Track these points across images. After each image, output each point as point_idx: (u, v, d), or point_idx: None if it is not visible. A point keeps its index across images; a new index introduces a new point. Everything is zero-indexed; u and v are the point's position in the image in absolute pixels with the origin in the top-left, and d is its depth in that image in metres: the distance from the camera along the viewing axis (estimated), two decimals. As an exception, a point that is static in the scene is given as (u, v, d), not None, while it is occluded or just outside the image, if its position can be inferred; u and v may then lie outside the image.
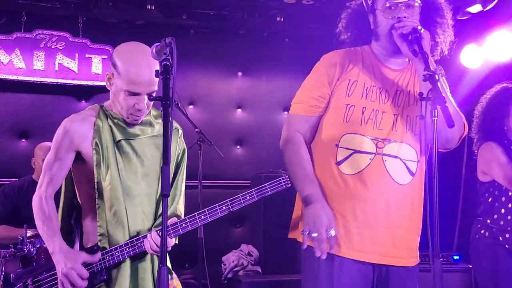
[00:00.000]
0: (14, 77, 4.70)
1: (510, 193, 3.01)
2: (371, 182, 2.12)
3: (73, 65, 4.83)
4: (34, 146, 4.01)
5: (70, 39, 4.84)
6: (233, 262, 4.54)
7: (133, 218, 2.11)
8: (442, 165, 5.03)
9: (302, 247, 2.11)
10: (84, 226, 2.19)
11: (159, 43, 1.81)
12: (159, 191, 2.15)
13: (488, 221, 3.09)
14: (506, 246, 3.00)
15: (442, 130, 1.95)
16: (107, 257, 2.08)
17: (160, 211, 2.18)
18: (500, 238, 3.02)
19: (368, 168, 2.13)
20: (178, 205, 2.24)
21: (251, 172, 4.90)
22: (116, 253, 2.07)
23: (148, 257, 2.13)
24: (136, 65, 2.04)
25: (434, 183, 1.88)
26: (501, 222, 3.03)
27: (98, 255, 2.08)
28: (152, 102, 2.12)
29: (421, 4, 2.16)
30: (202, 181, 4.27)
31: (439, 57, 2.24)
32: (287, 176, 2.08)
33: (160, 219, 2.15)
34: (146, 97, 2.09)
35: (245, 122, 5.37)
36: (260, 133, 5.31)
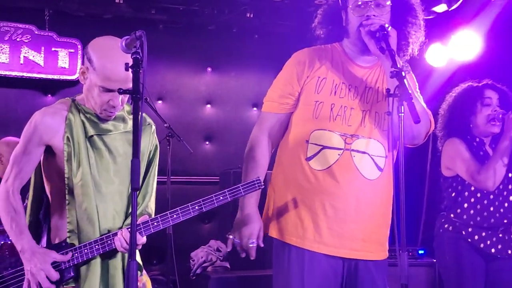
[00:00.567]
0: (-23, 70, 4.60)
1: (472, 188, 3.08)
2: (340, 178, 2.16)
3: (39, 58, 4.74)
4: (-1, 141, 3.93)
5: (36, 32, 4.75)
6: (201, 258, 4.52)
7: (104, 216, 2.08)
8: (407, 160, 5.12)
9: (272, 242, 2.16)
10: (53, 221, 2.15)
11: (128, 36, 1.80)
12: (129, 186, 2.13)
13: (452, 215, 3.16)
14: (469, 240, 3.07)
15: (408, 126, 1.99)
16: (76, 254, 2.05)
17: (130, 206, 2.15)
18: (463, 232, 3.09)
19: (336, 163, 2.17)
20: (150, 202, 2.22)
21: (220, 168, 4.90)
22: (85, 250, 2.04)
23: (119, 254, 2.10)
24: (112, 61, 2.00)
25: (400, 178, 1.91)
26: (464, 216, 3.11)
27: (69, 255, 2.05)
28: (126, 98, 2.09)
29: (391, 4, 2.20)
30: (171, 177, 4.25)
31: (409, 57, 2.29)
32: (259, 178, 2.11)
33: (139, 218, 2.14)
34: (120, 96, 2.05)
35: (214, 117, 5.37)
36: (229, 129, 5.32)
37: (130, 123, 2.18)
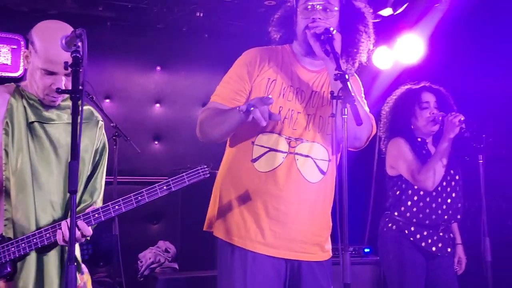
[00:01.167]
0: None
1: (416, 187, 3.18)
2: (283, 180, 2.17)
3: (-21, 54, 4.57)
4: None
5: (-23, 27, 4.58)
6: (149, 259, 4.47)
7: (40, 206, 2.02)
8: (354, 162, 5.23)
9: (218, 238, 2.16)
10: None
11: (68, 34, 1.76)
12: None
13: (396, 213, 3.24)
14: (411, 239, 3.16)
15: (351, 129, 2.02)
16: (12, 249, 1.97)
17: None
18: (406, 231, 3.18)
19: (281, 166, 2.18)
20: (98, 199, 2.18)
21: (169, 167, 4.85)
22: (23, 244, 1.97)
23: (55, 250, 2.04)
24: (54, 43, 1.93)
25: (343, 179, 1.94)
26: (407, 214, 3.19)
27: None
28: (70, 84, 2.04)
29: (339, 10, 2.22)
30: (119, 177, 4.17)
31: (358, 64, 2.31)
32: (205, 167, 2.04)
33: (78, 209, 2.08)
34: (64, 78, 1.99)
35: (163, 117, 5.31)
36: (178, 128, 5.27)
37: None
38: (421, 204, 3.16)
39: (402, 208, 3.21)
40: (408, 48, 4.42)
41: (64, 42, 1.79)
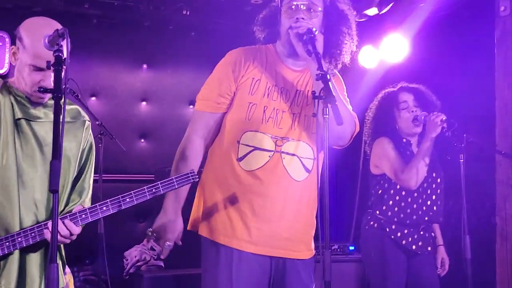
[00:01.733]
0: None
1: (398, 186, 3.22)
2: (269, 179, 2.20)
3: (-37, 51, 4.52)
4: None
5: (-40, 24, 4.53)
6: (135, 257, 4.47)
7: (24, 203, 2.00)
8: (341, 161, 5.25)
9: (201, 240, 2.18)
10: None
11: (51, 34, 1.76)
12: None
13: (377, 212, 3.28)
14: (392, 237, 3.20)
15: (333, 128, 2.04)
16: None
17: (62, 201, 2.11)
18: (387, 229, 3.22)
19: (266, 165, 2.20)
20: (86, 199, 2.18)
21: (155, 166, 4.85)
22: (7, 243, 1.96)
23: (38, 250, 2.03)
24: (43, 39, 1.92)
25: (325, 178, 1.97)
26: (389, 213, 3.23)
27: None
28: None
29: (323, 11, 2.25)
30: (105, 175, 4.16)
31: (341, 65, 2.34)
32: (193, 171, 2.06)
33: (67, 208, 2.09)
34: (52, 74, 1.96)
35: (149, 115, 5.30)
36: (164, 126, 5.26)
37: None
38: (402, 204, 3.21)
39: (384, 207, 3.26)
40: (393, 48, 4.46)
41: (47, 41, 1.79)
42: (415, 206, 3.19)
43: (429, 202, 3.20)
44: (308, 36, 2.12)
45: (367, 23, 4.44)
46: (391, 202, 3.24)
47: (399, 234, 3.20)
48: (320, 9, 2.24)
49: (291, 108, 2.26)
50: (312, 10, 2.23)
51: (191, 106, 5.39)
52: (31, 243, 1.97)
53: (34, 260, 2.03)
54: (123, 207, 2.02)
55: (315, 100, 1.97)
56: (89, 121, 2.25)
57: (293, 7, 2.22)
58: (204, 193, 2.31)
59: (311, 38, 2.11)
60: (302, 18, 2.20)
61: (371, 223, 3.30)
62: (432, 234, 3.31)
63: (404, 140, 3.32)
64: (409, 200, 3.20)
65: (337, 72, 2.40)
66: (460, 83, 4.02)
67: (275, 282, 2.25)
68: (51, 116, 2.08)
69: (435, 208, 3.22)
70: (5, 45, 4.65)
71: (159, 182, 2.03)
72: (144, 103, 5.30)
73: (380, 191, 3.31)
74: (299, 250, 2.28)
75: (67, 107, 2.16)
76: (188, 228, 2.33)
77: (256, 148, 2.21)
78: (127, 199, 2.02)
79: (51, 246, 1.58)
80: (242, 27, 5.07)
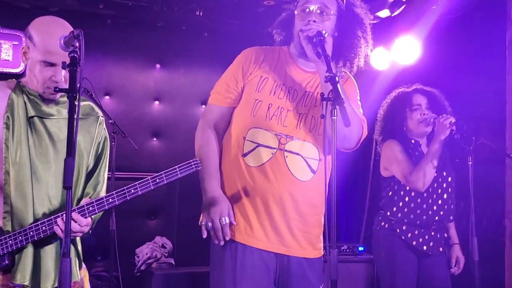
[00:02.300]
0: None
1: (407, 188, 3.23)
2: (271, 176, 2.23)
3: (-20, 50, 4.61)
4: None
5: (-22, 23, 4.62)
6: (146, 254, 4.53)
7: (38, 199, 2.06)
8: (351, 162, 5.27)
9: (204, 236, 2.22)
10: None
11: (67, 35, 1.81)
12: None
13: (388, 213, 3.30)
14: (403, 237, 3.22)
15: (340, 130, 2.07)
16: (10, 242, 2.01)
17: (77, 195, 2.15)
18: (398, 230, 3.24)
19: (269, 162, 2.24)
20: (101, 192, 2.22)
21: (167, 164, 4.81)
22: (20, 237, 2.01)
23: (53, 244, 2.08)
24: (52, 34, 2.00)
25: (333, 179, 1.99)
26: (399, 215, 3.25)
27: None
28: (68, 75, 2.08)
29: (336, 15, 2.28)
30: (117, 173, 4.22)
31: (355, 69, 2.37)
32: (197, 160, 2.09)
33: (81, 202, 2.12)
34: (63, 70, 2.03)
35: (162, 114, 5.35)
36: (177, 126, 5.31)
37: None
38: (412, 205, 3.22)
39: (394, 209, 3.27)
40: (405, 49, 4.47)
41: (63, 42, 1.85)
42: (425, 206, 3.21)
43: (439, 202, 3.21)
44: (317, 38, 2.15)
45: (379, 25, 4.45)
46: (401, 204, 3.26)
47: (409, 235, 3.21)
48: (332, 12, 2.27)
49: (297, 107, 2.29)
50: (324, 13, 2.26)
51: (203, 106, 5.43)
52: (42, 236, 2.02)
53: (49, 254, 2.07)
54: (128, 198, 2.05)
55: (323, 101, 2.00)
56: (102, 116, 2.30)
57: (306, 10, 2.27)
58: None
59: (321, 41, 2.14)
60: (314, 21, 2.23)
61: (382, 224, 3.33)
62: (445, 234, 3.31)
63: (413, 141, 3.33)
64: (419, 201, 3.21)
65: (351, 76, 2.42)
66: (471, 85, 4.02)
67: (280, 279, 2.28)
68: (64, 113, 2.14)
69: (446, 207, 3.22)
70: (21, 44, 4.73)
71: (162, 172, 2.05)
72: (156, 102, 5.36)
73: (390, 193, 3.33)
74: (304, 249, 2.30)
75: (81, 103, 2.20)
76: (200, 221, 2.38)
77: (259, 145, 2.26)
78: (132, 190, 2.04)
79: (64, 240, 1.62)
80: (254, 27, 5.11)
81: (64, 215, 2.00)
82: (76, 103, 1.70)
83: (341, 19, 2.30)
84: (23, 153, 2.05)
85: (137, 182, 2.06)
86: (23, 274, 2.02)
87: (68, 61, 1.78)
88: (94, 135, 2.22)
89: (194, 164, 2.06)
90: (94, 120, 2.24)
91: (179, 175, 2.06)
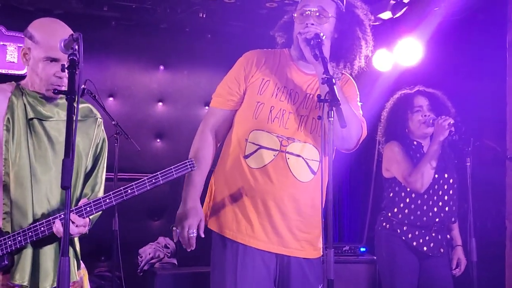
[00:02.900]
0: None
1: (408, 189, 3.25)
2: (273, 177, 2.26)
3: (-14, 52, 4.67)
4: None
5: (-16, 26, 4.68)
6: (149, 254, 4.56)
7: (37, 201, 2.08)
8: (354, 163, 5.27)
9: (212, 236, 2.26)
10: None
11: (66, 38, 1.84)
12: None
13: (389, 214, 3.31)
14: (403, 238, 3.23)
15: (338, 131, 2.09)
16: (9, 242, 2.03)
17: (75, 196, 2.18)
18: (398, 231, 3.25)
19: (271, 163, 2.26)
20: (99, 193, 2.24)
21: (170, 165, 4.88)
22: (19, 238, 2.03)
23: (51, 244, 2.10)
24: (54, 31, 2.03)
25: (329, 180, 2.00)
26: (400, 216, 3.26)
27: None
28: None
29: (335, 17, 2.29)
30: (121, 174, 4.26)
31: (356, 70, 2.39)
32: (192, 160, 2.10)
33: (80, 203, 2.14)
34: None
35: (165, 116, 5.38)
36: (180, 127, 5.34)
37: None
38: (412, 206, 3.23)
39: (395, 210, 3.29)
40: (407, 51, 4.48)
41: (63, 45, 1.88)
42: (425, 207, 3.22)
43: (440, 203, 3.22)
44: (315, 41, 2.17)
45: (381, 27, 4.47)
46: (402, 205, 3.27)
47: (410, 235, 3.22)
48: (330, 15, 2.29)
49: (298, 110, 2.31)
50: (322, 16, 2.27)
51: (206, 107, 5.46)
52: (40, 237, 2.04)
53: (48, 254, 2.10)
54: (125, 198, 2.06)
55: (320, 103, 2.02)
56: (101, 118, 2.31)
57: (305, 13, 2.29)
58: (214, 187, 2.39)
59: (318, 43, 2.16)
60: (312, 24, 2.25)
61: (384, 224, 3.35)
62: (447, 235, 3.32)
63: (415, 142, 3.34)
64: (419, 202, 3.22)
65: (351, 78, 2.44)
66: (472, 87, 4.03)
67: (280, 279, 2.30)
68: (63, 115, 2.15)
69: (447, 209, 3.23)
70: (26, 46, 4.78)
71: (158, 173, 2.07)
72: (160, 103, 5.39)
73: (391, 194, 3.34)
74: (304, 249, 2.32)
75: (80, 105, 2.23)
76: (172, 226, 2.41)
77: (261, 147, 2.28)
78: (129, 191, 2.06)
79: (63, 240, 1.65)
80: (257, 29, 5.14)
81: (62, 215, 2.02)
82: (75, 105, 1.72)
83: (340, 21, 2.32)
84: (23, 154, 2.07)
85: (133, 183, 2.08)
86: (22, 275, 2.04)
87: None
88: (92, 137, 2.25)
89: (190, 165, 2.08)
90: (92, 122, 2.26)
91: (175, 175, 2.08)
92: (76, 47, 1.78)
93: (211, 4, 4.86)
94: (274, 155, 2.27)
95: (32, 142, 2.10)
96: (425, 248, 3.21)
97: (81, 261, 2.26)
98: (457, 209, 3.29)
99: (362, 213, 5.25)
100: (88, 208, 2.07)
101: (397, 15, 4.41)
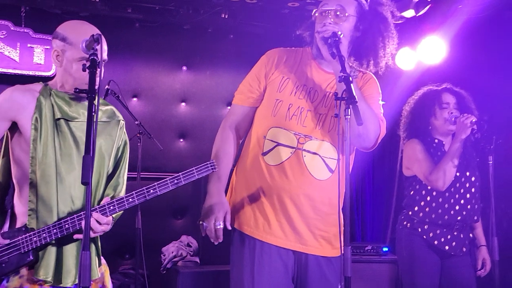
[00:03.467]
0: (-47, 65, 4.63)
1: (429, 187, 3.22)
2: (289, 174, 2.27)
3: (14, 54, 4.77)
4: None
5: (12, 28, 4.78)
6: (172, 252, 4.62)
7: (61, 199, 2.13)
8: (377, 161, 5.22)
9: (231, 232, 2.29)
10: (16, 207, 2.18)
11: (87, 38, 1.89)
12: (93, 176, 2.16)
13: (410, 212, 3.29)
14: (424, 237, 3.21)
15: (355, 129, 2.09)
16: (35, 238, 2.08)
17: (98, 195, 2.22)
18: (419, 229, 3.22)
19: (288, 161, 2.28)
20: (121, 193, 2.29)
21: (193, 165, 4.91)
22: (44, 234, 2.08)
23: (74, 241, 2.15)
24: (86, 33, 2.07)
25: (346, 178, 2.01)
26: (420, 214, 3.24)
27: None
28: (102, 71, 2.16)
29: (355, 15, 2.29)
30: (144, 173, 4.32)
31: (383, 70, 2.38)
32: (213, 161, 2.15)
33: (102, 201, 2.19)
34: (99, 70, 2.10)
35: (188, 115, 5.43)
36: (202, 127, 5.39)
37: (100, 113, 2.24)
38: (433, 204, 3.20)
39: (416, 208, 3.26)
40: (431, 49, 4.43)
41: (84, 45, 1.92)
42: (446, 206, 3.18)
43: (462, 202, 3.18)
44: (332, 39, 2.17)
45: (404, 25, 4.43)
46: (422, 203, 3.25)
47: (431, 234, 3.20)
48: (347, 14, 2.28)
49: (317, 108, 2.32)
50: (341, 14, 2.28)
51: (229, 107, 5.46)
52: (65, 233, 2.10)
53: (70, 252, 2.15)
54: (147, 198, 2.11)
55: (336, 101, 2.03)
56: (123, 120, 2.36)
57: (324, 13, 2.30)
58: (235, 184, 2.43)
59: (335, 42, 2.16)
60: (330, 23, 2.26)
61: (404, 223, 3.32)
62: (470, 234, 3.28)
63: (436, 140, 3.31)
64: (440, 200, 3.19)
65: (373, 77, 2.43)
66: (498, 85, 3.97)
67: (298, 278, 2.31)
68: None
69: (469, 207, 3.19)
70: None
71: (180, 174, 2.12)
72: (183, 104, 5.45)
73: (411, 192, 3.32)
74: (321, 247, 2.32)
75: (104, 107, 2.29)
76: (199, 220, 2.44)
77: (279, 144, 2.30)
78: (151, 190, 2.11)
79: (84, 234, 1.69)
80: (279, 29, 5.16)
81: (93, 214, 2.08)
82: (95, 103, 1.77)
83: (362, 19, 2.31)
84: (49, 154, 2.12)
85: (156, 183, 2.13)
86: (46, 270, 2.10)
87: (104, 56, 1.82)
88: (115, 139, 2.29)
89: (211, 166, 2.13)
90: (115, 123, 2.31)
91: (196, 176, 2.13)
92: (97, 47, 1.82)
93: (233, 5, 4.90)
94: (291, 152, 2.28)
95: (59, 142, 2.15)
96: (446, 247, 3.18)
97: (102, 257, 2.31)
98: (479, 207, 3.25)
99: (385, 212, 5.22)
100: (111, 207, 2.12)
101: (420, 13, 4.37)
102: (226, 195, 2.44)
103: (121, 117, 2.36)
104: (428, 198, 3.23)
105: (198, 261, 4.67)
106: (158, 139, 4.45)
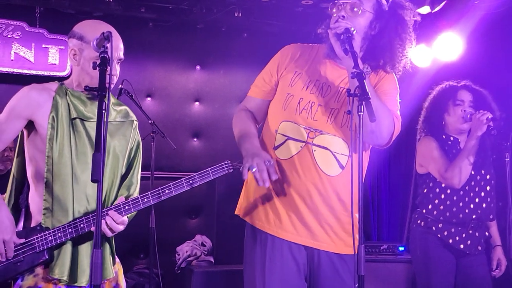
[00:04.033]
0: (-31, 66, 4.68)
1: (443, 185, 3.17)
2: (299, 169, 2.26)
3: (29, 55, 4.81)
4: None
5: (27, 29, 4.82)
6: (186, 252, 4.62)
7: (77, 198, 2.13)
8: (394, 159, 5.16)
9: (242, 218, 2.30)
10: (31, 205, 2.19)
11: (98, 36, 1.88)
12: (108, 176, 2.20)
13: (424, 211, 3.25)
14: (438, 235, 3.16)
15: (367, 125, 2.06)
16: (50, 237, 2.09)
17: (112, 195, 2.23)
18: (433, 228, 3.18)
19: (297, 155, 2.27)
20: (135, 193, 2.29)
21: (207, 164, 4.87)
22: (59, 233, 2.09)
23: (89, 241, 2.15)
24: (104, 31, 2.05)
25: (359, 175, 1.98)
26: (435, 212, 3.20)
27: (22, 240, 2.10)
28: (119, 69, 2.17)
29: (372, 12, 2.26)
30: (159, 173, 4.33)
31: (401, 71, 2.34)
32: (229, 162, 2.15)
33: (116, 201, 2.20)
34: (117, 65, 2.13)
35: (202, 115, 5.43)
36: (216, 126, 5.38)
37: (114, 114, 2.25)
38: (448, 202, 3.16)
39: (430, 206, 3.23)
40: (447, 46, 4.37)
41: (95, 43, 1.92)
42: (461, 204, 3.14)
43: (477, 200, 3.14)
44: (345, 35, 2.15)
45: (420, 22, 4.37)
46: (436, 201, 3.20)
47: (445, 233, 3.15)
48: (363, 8, 2.25)
49: (329, 103, 2.29)
50: (356, 9, 2.24)
51: (243, 107, 5.48)
52: (80, 233, 2.10)
53: (85, 251, 2.15)
54: (162, 198, 2.12)
55: (349, 97, 2.01)
56: (136, 121, 2.36)
57: (340, 6, 2.27)
58: (249, 178, 2.39)
59: (348, 38, 2.14)
60: (343, 17, 2.23)
61: (418, 221, 3.28)
62: (486, 233, 3.23)
63: (452, 138, 3.27)
64: (455, 198, 3.15)
65: (394, 75, 2.38)
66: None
67: (311, 275, 2.29)
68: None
69: (484, 205, 3.14)
70: (67, 49, 4.90)
71: (195, 174, 2.13)
72: (197, 103, 5.45)
73: (425, 190, 3.28)
74: (333, 243, 2.29)
75: (118, 107, 2.29)
76: (235, 212, 2.44)
77: (289, 138, 2.29)
78: (166, 191, 2.12)
79: (95, 232, 1.69)
80: (293, 27, 5.13)
81: (104, 213, 2.10)
82: (106, 101, 1.76)
83: (378, 18, 2.28)
84: (65, 153, 2.13)
85: (171, 183, 2.14)
86: (62, 269, 2.10)
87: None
88: (129, 139, 2.29)
89: (226, 167, 2.14)
90: (129, 124, 2.31)
91: (212, 176, 2.14)
92: (107, 45, 1.82)
93: (247, 3, 4.89)
94: (301, 147, 2.27)
95: (74, 141, 2.15)
96: (461, 246, 3.13)
97: (115, 256, 2.31)
98: (495, 206, 3.20)
99: (401, 211, 5.16)
100: (126, 207, 2.13)
101: (436, 9, 4.31)
102: (242, 191, 2.44)
103: (134, 117, 2.36)
104: (442, 196, 3.18)
105: (212, 260, 4.67)
106: (172, 139, 4.45)
